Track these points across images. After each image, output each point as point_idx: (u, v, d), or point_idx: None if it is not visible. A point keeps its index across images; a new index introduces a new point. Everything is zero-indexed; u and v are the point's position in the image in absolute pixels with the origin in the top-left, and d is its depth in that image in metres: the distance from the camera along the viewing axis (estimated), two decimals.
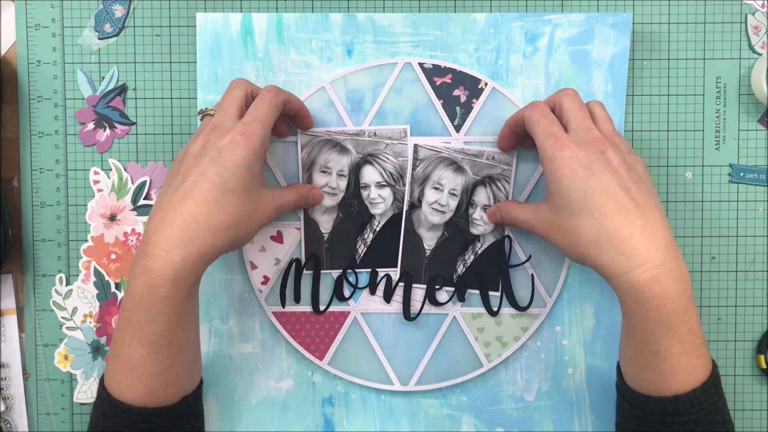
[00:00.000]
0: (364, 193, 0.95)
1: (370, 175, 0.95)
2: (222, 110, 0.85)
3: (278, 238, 0.95)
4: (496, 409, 0.97)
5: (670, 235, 0.79)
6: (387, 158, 0.95)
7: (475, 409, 0.97)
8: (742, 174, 0.97)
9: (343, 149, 0.95)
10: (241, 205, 0.82)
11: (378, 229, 0.96)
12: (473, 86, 0.95)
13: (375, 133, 0.95)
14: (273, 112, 0.86)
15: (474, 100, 0.95)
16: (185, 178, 0.81)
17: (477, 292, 0.96)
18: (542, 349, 0.96)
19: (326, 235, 0.96)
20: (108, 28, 0.96)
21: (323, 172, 0.95)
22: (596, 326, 0.96)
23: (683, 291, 0.77)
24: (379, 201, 0.95)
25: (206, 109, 0.88)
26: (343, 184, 0.95)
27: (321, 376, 0.97)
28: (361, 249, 0.96)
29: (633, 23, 0.95)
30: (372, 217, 0.96)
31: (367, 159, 0.95)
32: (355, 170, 0.95)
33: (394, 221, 0.96)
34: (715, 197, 0.97)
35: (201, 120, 0.89)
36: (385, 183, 0.95)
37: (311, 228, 0.95)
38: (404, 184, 0.95)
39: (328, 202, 0.95)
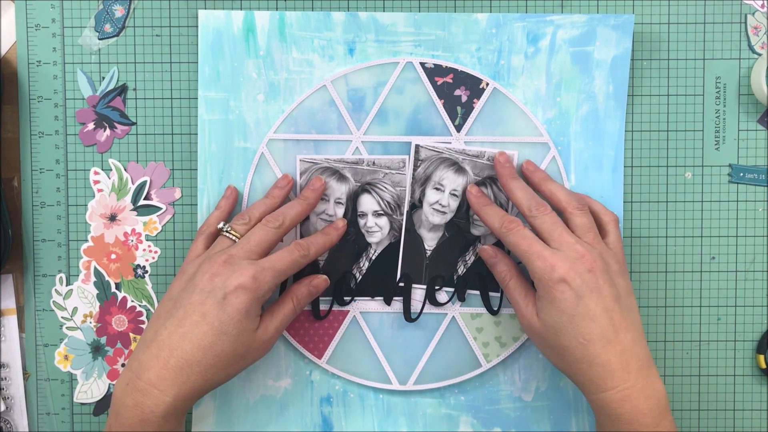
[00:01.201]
0: (361, 222, 0.95)
1: (367, 203, 0.95)
2: (247, 244, 0.87)
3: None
4: (494, 408, 0.97)
5: (646, 354, 0.85)
6: (385, 187, 0.95)
7: (473, 409, 0.97)
8: (741, 174, 0.97)
9: (341, 177, 0.95)
10: (234, 349, 0.84)
11: (374, 257, 0.96)
12: (474, 86, 0.95)
13: (374, 162, 0.95)
14: (291, 269, 0.88)
15: (475, 101, 0.95)
16: (187, 316, 0.84)
17: (477, 292, 0.96)
18: None
19: (322, 263, 0.96)
20: (108, 28, 0.96)
21: (321, 199, 0.95)
22: None
23: (654, 406, 0.83)
24: (376, 230, 0.95)
25: (229, 229, 0.90)
26: (340, 211, 0.95)
27: (319, 375, 0.97)
28: (357, 276, 0.96)
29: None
30: (368, 245, 0.96)
31: (366, 188, 0.95)
32: (353, 198, 0.95)
33: (390, 250, 0.96)
34: (715, 197, 0.97)
35: (219, 232, 0.92)
36: (382, 212, 0.95)
37: None
38: (401, 214, 0.95)
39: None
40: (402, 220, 0.95)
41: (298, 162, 0.95)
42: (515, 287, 0.90)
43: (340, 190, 0.95)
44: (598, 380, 0.83)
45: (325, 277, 0.93)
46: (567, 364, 0.85)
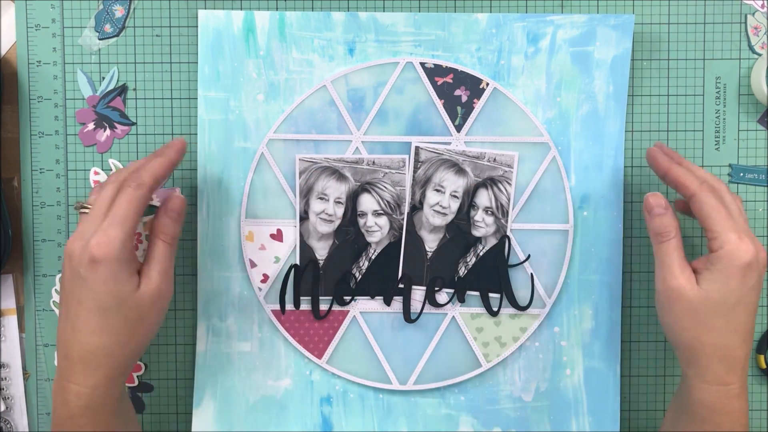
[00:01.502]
0: (361, 221, 0.95)
1: (367, 203, 0.95)
2: (92, 213, 0.82)
3: (278, 237, 0.95)
4: (493, 408, 0.97)
5: None
6: (385, 187, 0.95)
7: (473, 409, 0.97)
8: (742, 174, 0.97)
9: (341, 177, 0.95)
10: (124, 318, 0.81)
11: (373, 257, 0.96)
12: (474, 86, 0.95)
13: (374, 162, 0.95)
14: (134, 209, 0.82)
15: (475, 101, 0.95)
16: (67, 306, 0.82)
17: (477, 293, 0.96)
18: (541, 349, 0.96)
19: (321, 262, 0.96)
20: (108, 28, 0.96)
21: (321, 198, 0.95)
22: (595, 327, 0.96)
23: (747, 410, 0.85)
24: (376, 229, 0.95)
25: (83, 204, 0.84)
26: (340, 211, 0.95)
27: (319, 375, 0.97)
28: (357, 276, 0.96)
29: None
30: (368, 244, 0.96)
31: (365, 187, 0.95)
32: (353, 198, 0.95)
33: (390, 249, 0.96)
34: None
35: (78, 214, 0.86)
36: (382, 212, 0.95)
37: (306, 254, 0.95)
38: (401, 213, 0.95)
39: (325, 228, 0.95)
40: (402, 219, 0.95)
41: (297, 161, 0.95)
42: (676, 247, 0.85)
43: (339, 190, 0.95)
44: (722, 372, 0.83)
45: (177, 193, 0.89)
46: (703, 346, 0.83)
